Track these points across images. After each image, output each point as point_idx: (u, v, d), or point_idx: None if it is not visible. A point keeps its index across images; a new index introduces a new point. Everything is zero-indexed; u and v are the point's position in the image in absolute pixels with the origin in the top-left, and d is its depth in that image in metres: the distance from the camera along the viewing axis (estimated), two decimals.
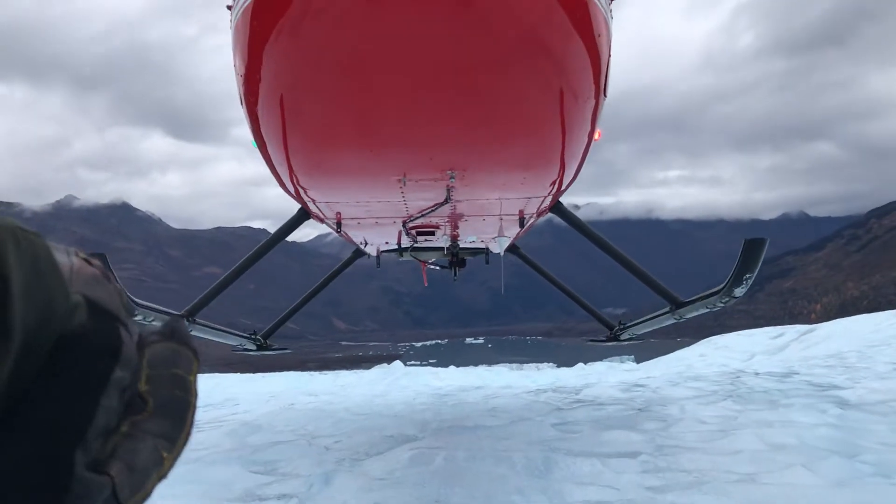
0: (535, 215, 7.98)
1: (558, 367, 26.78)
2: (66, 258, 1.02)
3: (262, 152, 5.55)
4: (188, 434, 1.11)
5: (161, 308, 8.84)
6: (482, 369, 24.05)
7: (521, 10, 3.73)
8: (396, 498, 6.55)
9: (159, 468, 1.04)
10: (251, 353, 12.96)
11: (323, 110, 4.63)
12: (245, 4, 3.92)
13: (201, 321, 10.00)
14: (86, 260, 1.07)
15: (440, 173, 5.68)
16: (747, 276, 7.64)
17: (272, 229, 8.04)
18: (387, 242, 9.83)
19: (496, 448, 8.21)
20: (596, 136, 5.77)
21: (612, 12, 4.56)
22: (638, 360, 24.85)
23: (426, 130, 4.85)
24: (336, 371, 26.21)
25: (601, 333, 13.06)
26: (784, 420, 8.85)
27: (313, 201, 6.92)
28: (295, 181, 6.09)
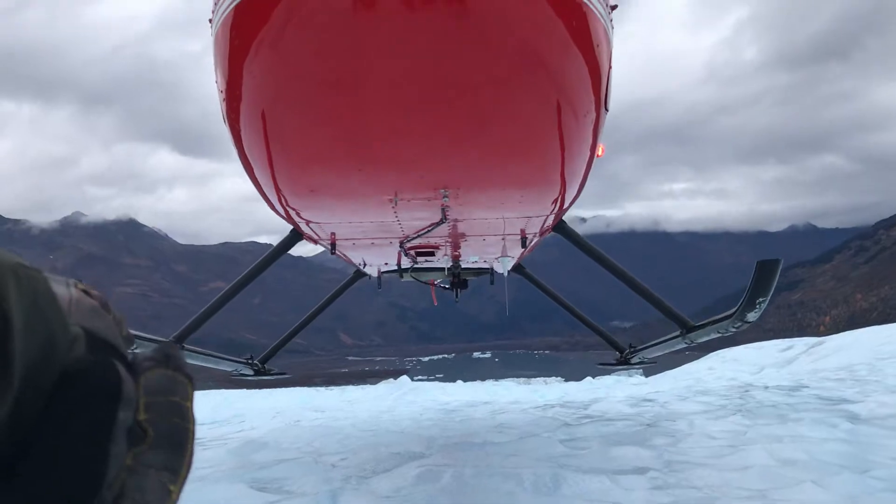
0: (537, 235, 7.73)
1: (566, 381, 26.66)
2: (66, 290, 1.02)
3: (247, 171, 5.34)
4: (190, 463, 1.10)
5: (149, 336, 8.34)
6: (489, 384, 24.02)
7: (515, 18, 3.52)
8: None
9: (168, 503, 1.03)
10: (248, 377, 12.47)
11: (307, 127, 4.42)
12: (224, 15, 3.71)
13: (191, 347, 9.58)
14: (85, 291, 1.06)
15: (433, 192, 5.45)
16: (760, 299, 7.09)
17: (277, 251, 7.89)
18: (386, 263, 9.59)
19: (504, 465, 8.16)
20: (598, 151, 5.53)
21: (613, 22, 4.34)
22: (646, 374, 24.68)
23: (416, 148, 4.63)
24: (342, 386, 26.20)
25: (609, 347, 13.00)
26: (794, 435, 8.78)
27: (305, 222, 6.70)
28: (283, 201, 5.86)
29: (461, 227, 7.03)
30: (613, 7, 4.39)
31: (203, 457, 9.41)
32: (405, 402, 16.89)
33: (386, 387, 22.04)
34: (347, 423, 12.93)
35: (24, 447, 0.87)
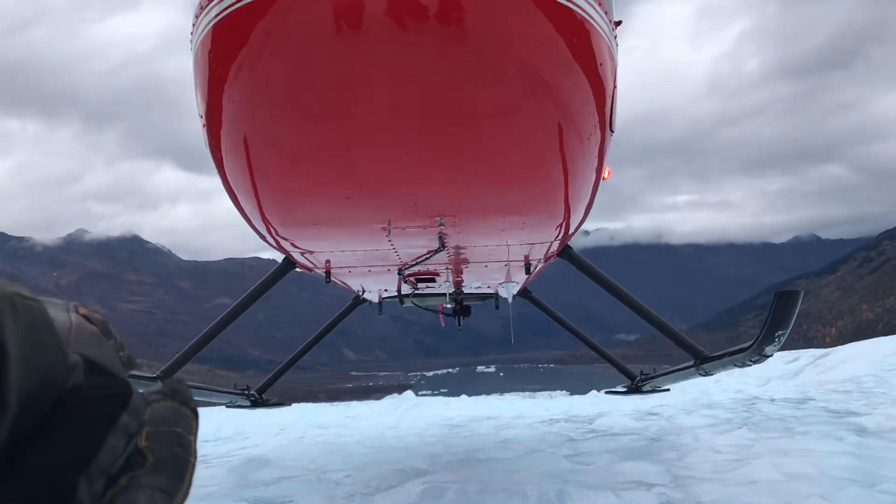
0: (542, 261, 7.44)
1: (571, 394, 26.51)
2: (66, 316, 1.02)
3: (231, 200, 5.06)
4: (186, 493, 1.09)
5: (137, 374, 8.15)
6: (494, 398, 23.86)
7: (513, 37, 3.26)
8: None
9: None
10: (245, 408, 12.15)
11: (291, 154, 4.11)
12: (203, 35, 3.44)
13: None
14: (86, 317, 1.06)
15: (428, 220, 5.15)
16: (780, 332, 6.66)
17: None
18: (386, 290, 9.33)
19: (508, 481, 8.10)
20: (605, 174, 5.26)
21: (618, 39, 4.11)
22: None
23: (407, 175, 4.30)
24: (346, 402, 26.06)
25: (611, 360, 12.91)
26: (801, 448, 8.71)
27: (297, 251, 6.42)
28: (271, 230, 5.57)
29: (462, 254, 6.74)
30: (618, 23, 4.16)
31: (205, 475, 9.37)
32: (410, 417, 16.81)
33: (390, 402, 21.94)
34: (352, 440, 12.87)
35: (18, 453, 0.88)
